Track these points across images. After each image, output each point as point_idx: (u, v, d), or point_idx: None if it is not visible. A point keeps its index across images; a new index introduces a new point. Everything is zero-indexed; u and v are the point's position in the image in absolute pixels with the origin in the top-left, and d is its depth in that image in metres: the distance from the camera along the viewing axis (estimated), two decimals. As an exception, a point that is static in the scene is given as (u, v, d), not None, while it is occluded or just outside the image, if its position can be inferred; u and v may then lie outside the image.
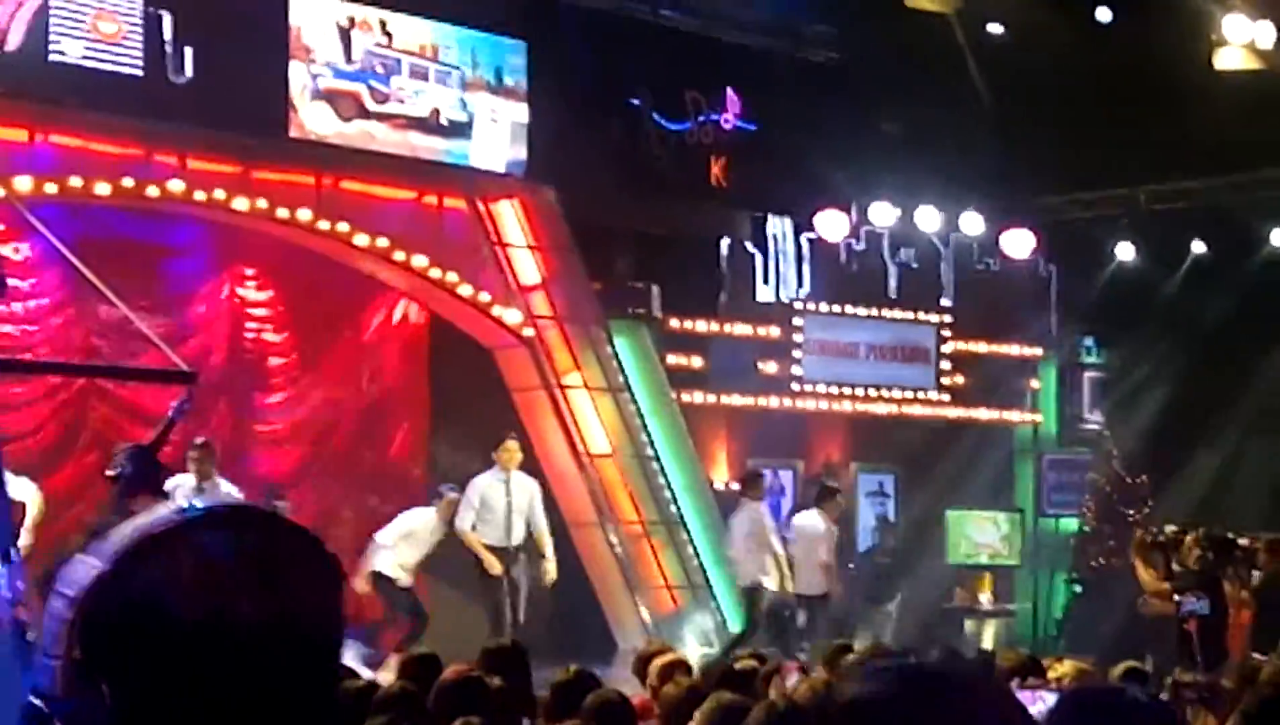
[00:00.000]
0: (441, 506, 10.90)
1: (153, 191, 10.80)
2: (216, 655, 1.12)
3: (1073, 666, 6.40)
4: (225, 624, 1.12)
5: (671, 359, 13.64)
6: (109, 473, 7.32)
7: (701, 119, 14.11)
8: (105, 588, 1.13)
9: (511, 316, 12.79)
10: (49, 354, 10.39)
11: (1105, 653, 10.12)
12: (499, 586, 10.67)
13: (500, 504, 10.76)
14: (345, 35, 11.79)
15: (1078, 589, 15.45)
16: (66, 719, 1.11)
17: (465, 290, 12.53)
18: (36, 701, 1.11)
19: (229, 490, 9.60)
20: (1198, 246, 15.68)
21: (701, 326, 13.97)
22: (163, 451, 6.96)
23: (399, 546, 10.78)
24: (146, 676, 1.12)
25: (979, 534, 15.28)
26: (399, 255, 12.12)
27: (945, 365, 15.40)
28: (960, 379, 15.45)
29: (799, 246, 14.74)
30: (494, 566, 10.65)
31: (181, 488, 8.90)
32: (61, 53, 10.36)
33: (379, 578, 10.72)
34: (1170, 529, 10.64)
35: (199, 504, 1.17)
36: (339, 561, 1.21)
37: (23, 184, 10.18)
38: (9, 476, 5.23)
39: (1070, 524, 15.83)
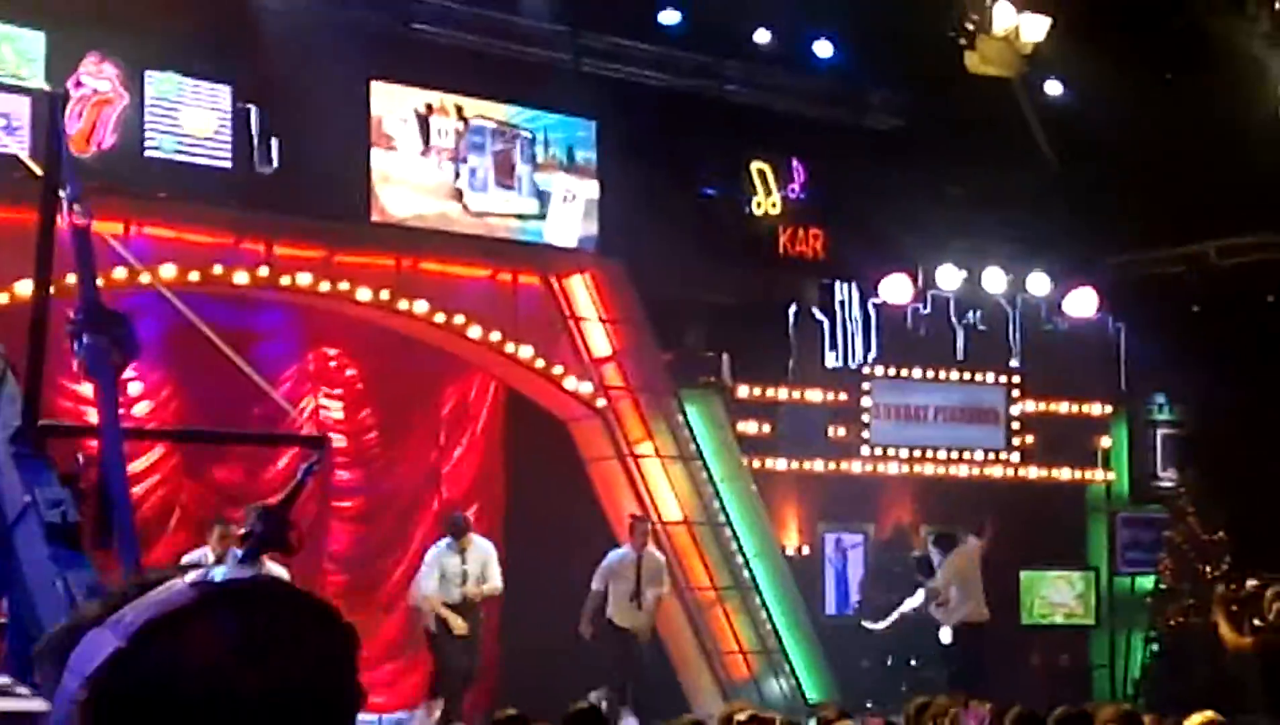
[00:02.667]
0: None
1: (241, 278, 11.20)
2: None
3: (1203, 718, 6.43)
4: (233, 705, 1.12)
5: (742, 426, 13.84)
6: (239, 532, 7.63)
7: (768, 190, 14.34)
8: (119, 666, 1.12)
9: (585, 388, 13.05)
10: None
11: (1186, 712, 10.13)
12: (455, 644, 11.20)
13: (457, 572, 11.27)
14: (423, 121, 12.17)
15: (1155, 648, 15.39)
16: None
17: (539, 364, 12.82)
18: None
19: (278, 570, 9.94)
20: (1267, 299, 15.65)
21: (771, 393, 14.16)
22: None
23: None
24: None
25: (1054, 594, 15.29)
26: (475, 332, 12.44)
27: (1015, 426, 15.47)
28: (1030, 439, 15.50)
29: (866, 312, 14.90)
30: (458, 626, 11.15)
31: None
32: (156, 148, 10.80)
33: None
34: (1251, 584, 10.63)
35: (216, 576, 1.16)
36: (355, 634, 1.22)
37: (119, 275, 10.59)
38: None
39: (1146, 582, 15.78)
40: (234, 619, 1.15)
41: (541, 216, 12.82)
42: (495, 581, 11.34)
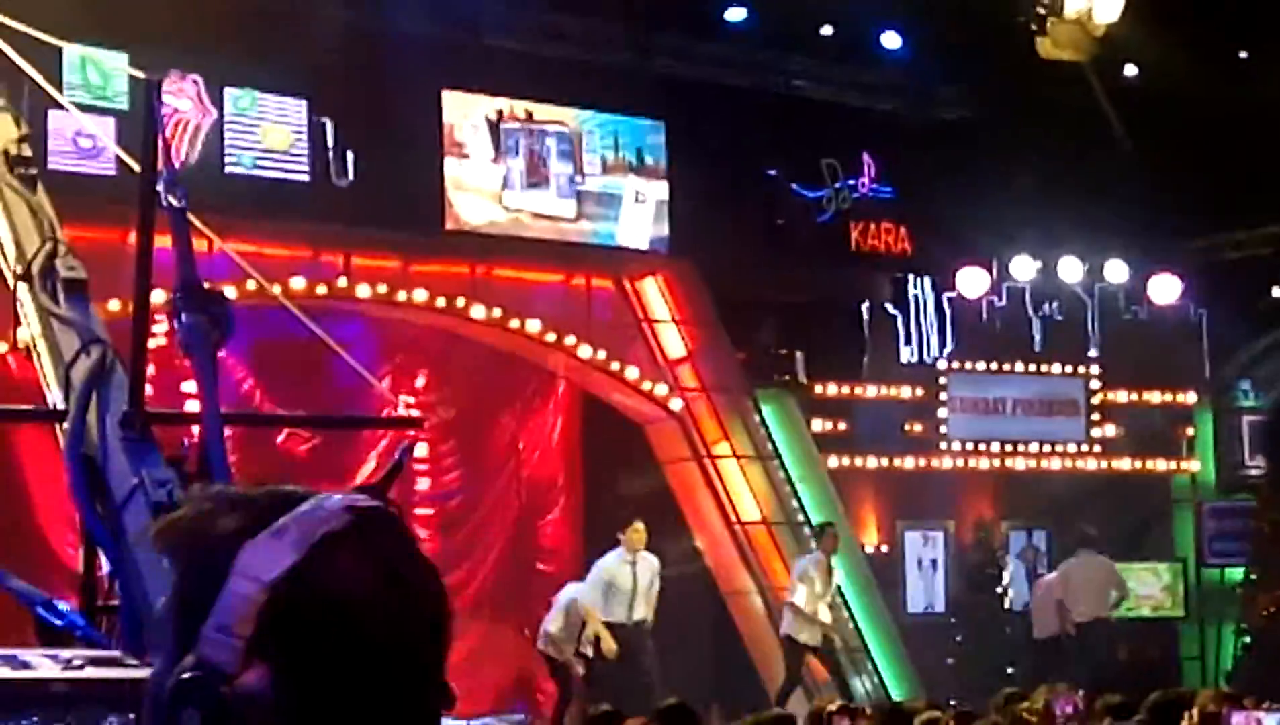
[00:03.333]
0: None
1: (321, 290, 11.36)
2: (391, 657, 1.16)
3: None
4: (392, 626, 1.17)
5: (817, 424, 13.78)
6: None
7: (838, 185, 14.30)
8: (298, 578, 1.15)
9: (660, 390, 13.08)
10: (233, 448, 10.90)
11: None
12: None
13: (627, 585, 11.01)
14: (494, 128, 12.28)
15: (1247, 639, 15.10)
16: (237, 698, 1.13)
17: (614, 367, 12.87)
18: (197, 674, 1.13)
19: None
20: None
21: (846, 390, 14.10)
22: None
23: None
24: (319, 667, 1.15)
25: (1141, 586, 15.05)
26: (551, 337, 12.51)
27: (1095, 416, 15.27)
28: (1111, 430, 15.28)
29: (940, 305, 14.79)
30: (611, 647, 10.88)
31: None
32: (236, 164, 11.00)
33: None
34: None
35: (358, 501, 1.19)
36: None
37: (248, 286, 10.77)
38: None
39: (1236, 573, 15.50)
40: (386, 542, 1.20)
41: (613, 219, 12.88)
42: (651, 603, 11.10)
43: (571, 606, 11.10)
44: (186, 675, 1.15)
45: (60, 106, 9.87)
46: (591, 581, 11.05)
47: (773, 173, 13.99)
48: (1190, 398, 15.85)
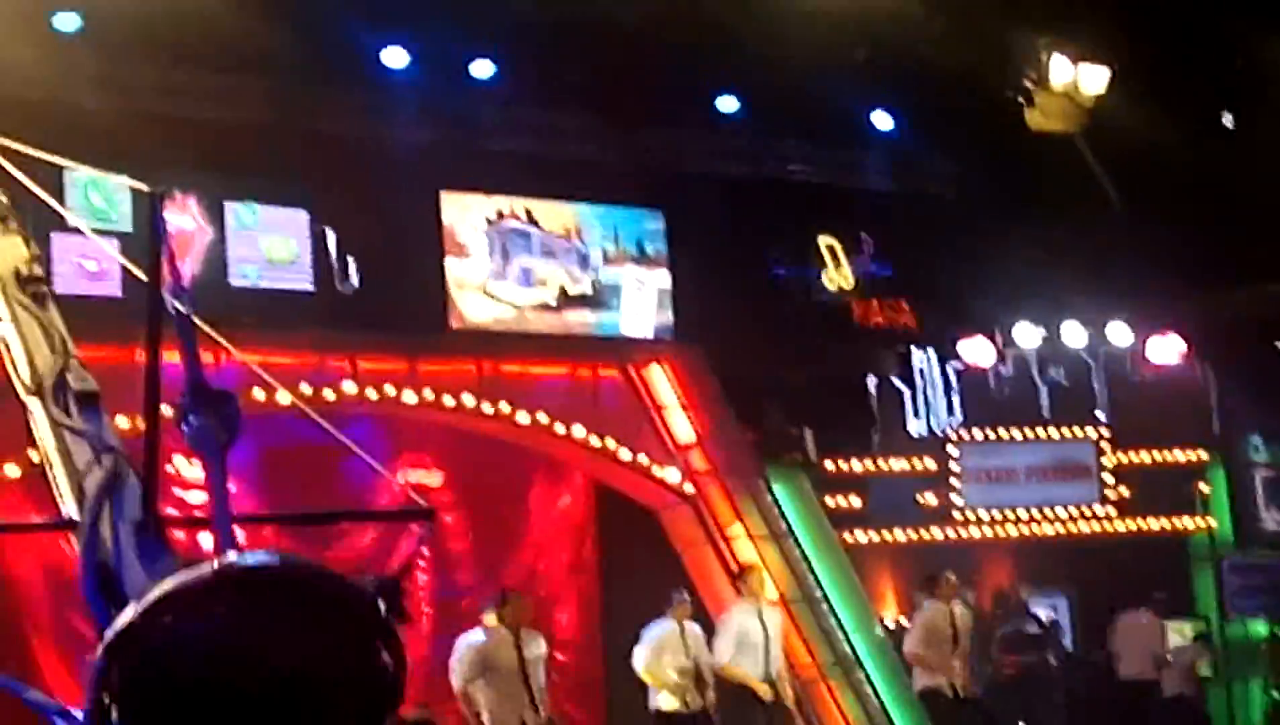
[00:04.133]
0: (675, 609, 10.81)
1: (328, 395, 11.47)
2: (224, 712, 1.15)
3: None
4: (236, 683, 1.14)
5: (831, 501, 13.81)
6: None
7: (838, 264, 14.47)
8: (131, 636, 1.17)
9: (671, 476, 13.13)
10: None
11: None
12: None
13: (759, 637, 10.79)
14: (495, 226, 12.49)
15: (1276, 694, 14.97)
16: None
17: (625, 455, 12.93)
18: None
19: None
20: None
21: (857, 466, 14.13)
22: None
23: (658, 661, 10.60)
24: (155, 720, 1.15)
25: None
26: (559, 428, 12.60)
27: (1108, 478, 15.27)
28: (1125, 491, 15.27)
29: (946, 376, 14.87)
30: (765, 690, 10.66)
31: None
32: (241, 276, 11.18)
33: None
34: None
35: (245, 560, 1.17)
36: (384, 619, 1.20)
37: (257, 395, 10.89)
38: None
39: (1260, 629, 15.40)
40: (248, 600, 1.18)
41: (616, 310, 13.03)
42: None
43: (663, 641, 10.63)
44: None
45: (65, 229, 10.12)
46: (725, 632, 10.72)
47: (772, 255, 14.17)
48: (1202, 455, 15.86)
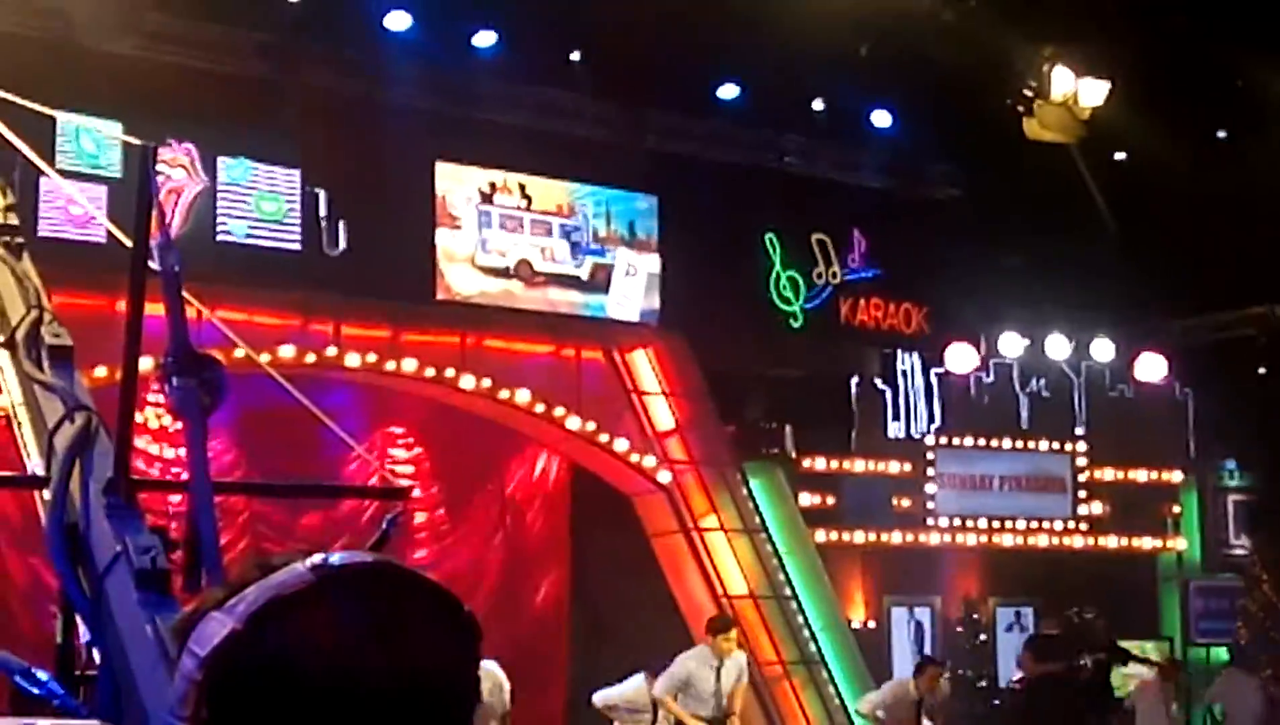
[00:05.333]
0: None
1: (310, 358, 11.37)
2: (340, 717, 1.10)
3: None
4: (352, 689, 1.10)
5: (805, 498, 13.78)
6: None
7: (828, 261, 14.41)
8: (236, 648, 1.11)
9: (648, 463, 13.07)
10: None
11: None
12: None
13: (709, 688, 10.51)
14: (487, 200, 12.39)
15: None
16: None
17: (603, 439, 12.87)
18: None
19: None
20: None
21: (834, 465, 14.11)
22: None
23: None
24: None
25: (1129, 665, 14.97)
26: (540, 408, 12.52)
27: (1082, 494, 15.29)
28: (1098, 507, 15.30)
29: (928, 381, 14.85)
30: None
31: None
32: (228, 233, 11.06)
33: None
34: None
35: (335, 560, 1.14)
36: (476, 623, 1.18)
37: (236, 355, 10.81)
38: None
39: (1222, 653, 15.45)
40: (352, 602, 1.14)
41: (604, 292, 12.95)
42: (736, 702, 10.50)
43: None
44: None
45: (55, 171, 9.98)
46: (671, 674, 10.53)
47: (763, 248, 14.09)
48: (1176, 477, 15.89)
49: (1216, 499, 16.21)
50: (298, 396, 4.41)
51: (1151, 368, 15.63)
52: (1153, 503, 15.77)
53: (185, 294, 2.99)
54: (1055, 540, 15.06)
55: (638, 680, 10.90)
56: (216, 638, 1.13)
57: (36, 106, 3.80)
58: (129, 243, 3.07)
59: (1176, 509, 15.94)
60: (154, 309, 3.15)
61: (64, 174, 10.19)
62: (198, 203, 10.97)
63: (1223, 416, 15.82)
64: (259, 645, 1.12)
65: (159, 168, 10.69)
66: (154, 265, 3.00)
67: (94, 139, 10.29)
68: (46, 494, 2.98)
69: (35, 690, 2.70)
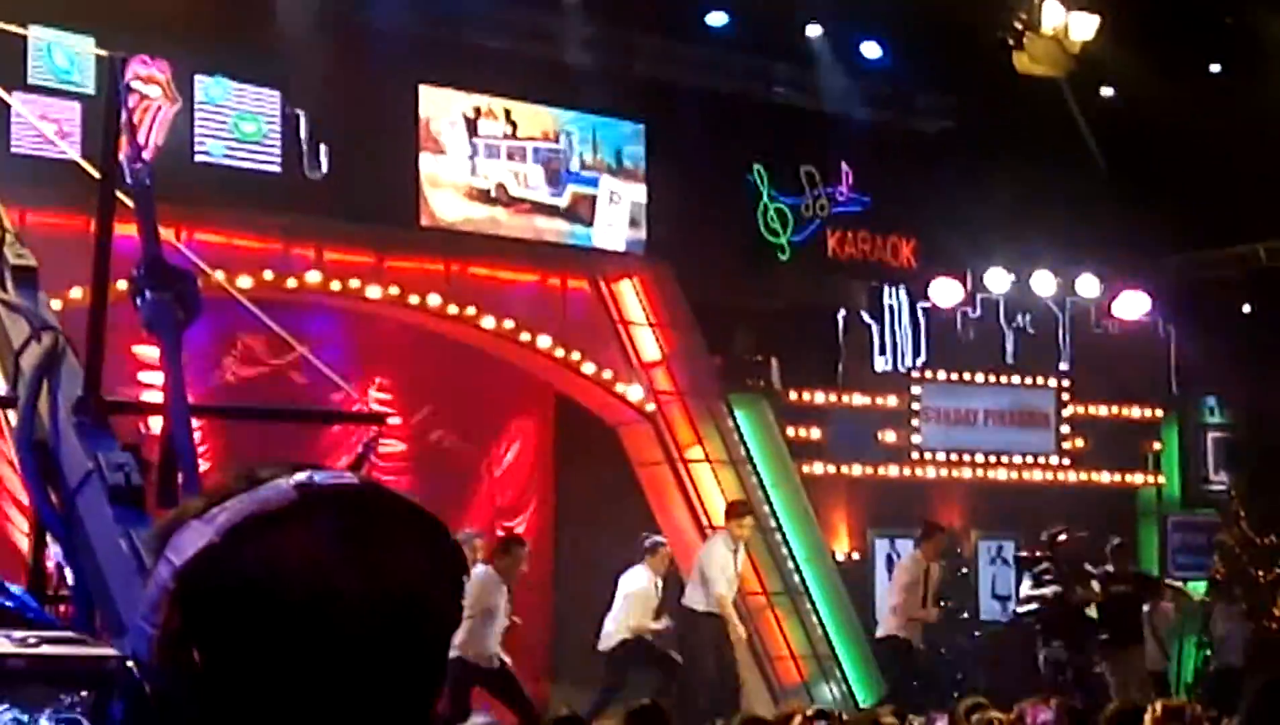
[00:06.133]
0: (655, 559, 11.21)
1: (291, 283, 11.26)
2: (316, 635, 1.10)
3: None
4: (329, 609, 1.10)
5: (791, 431, 13.78)
6: None
7: (816, 193, 14.30)
8: (211, 560, 1.10)
9: (634, 393, 13.04)
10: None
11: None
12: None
13: (731, 570, 11.33)
14: (472, 125, 12.22)
15: (1209, 652, 15.18)
16: (157, 687, 1.10)
17: (589, 368, 12.82)
18: (130, 667, 1.10)
19: None
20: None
21: (820, 398, 14.09)
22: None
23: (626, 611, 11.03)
24: (244, 651, 1.09)
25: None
26: (524, 336, 12.46)
27: (1065, 429, 15.33)
28: (1080, 443, 15.36)
29: (915, 315, 14.81)
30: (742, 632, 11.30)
31: None
32: (206, 153, 10.89)
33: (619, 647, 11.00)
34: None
35: (320, 478, 1.13)
36: (459, 548, 1.18)
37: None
38: None
39: (1198, 587, 15.59)
40: (335, 522, 1.12)
41: (590, 220, 12.84)
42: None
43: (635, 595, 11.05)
44: (112, 666, 1.09)
45: (26, 87, 9.77)
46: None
47: (751, 178, 13.97)
48: (1157, 413, 15.95)
49: (1197, 435, 16.28)
50: (274, 326, 4.32)
51: (1135, 305, 15.62)
52: (1134, 438, 15.84)
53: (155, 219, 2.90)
54: (1038, 474, 15.11)
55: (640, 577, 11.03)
56: (193, 548, 1.11)
57: (5, 26, 3.69)
58: (90, 168, 2.98)
59: (1157, 445, 16.01)
60: (128, 229, 3.06)
61: (36, 89, 10.02)
62: (174, 122, 10.79)
63: (1205, 354, 15.85)
64: (236, 560, 1.10)
65: (132, 84, 10.53)
66: (126, 177, 2.92)
67: (66, 54, 10.08)
68: (13, 415, 2.92)
69: (9, 603, 2.66)
